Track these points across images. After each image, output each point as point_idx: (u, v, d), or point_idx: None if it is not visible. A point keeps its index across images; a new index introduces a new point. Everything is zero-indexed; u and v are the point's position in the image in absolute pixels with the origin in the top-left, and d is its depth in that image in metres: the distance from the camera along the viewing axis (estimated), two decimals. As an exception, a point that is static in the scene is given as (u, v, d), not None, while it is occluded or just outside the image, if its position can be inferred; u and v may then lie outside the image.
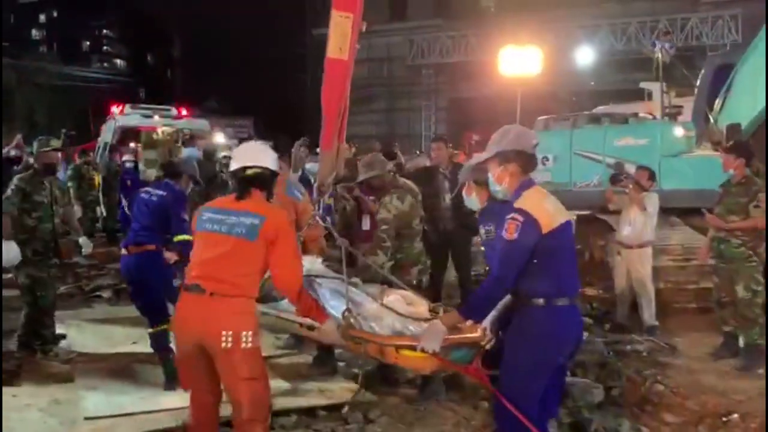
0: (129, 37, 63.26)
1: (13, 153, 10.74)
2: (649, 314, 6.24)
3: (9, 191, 4.91)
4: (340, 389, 4.37)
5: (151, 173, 10.94)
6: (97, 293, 7.44)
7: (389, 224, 4.42)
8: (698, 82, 9.30)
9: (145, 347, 4.67)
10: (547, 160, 8.45)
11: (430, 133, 30.65)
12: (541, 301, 2.80)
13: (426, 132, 30.64)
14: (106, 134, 11.77)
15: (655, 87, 13.26)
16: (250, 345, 2.85)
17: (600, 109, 12.98)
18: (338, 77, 4.13)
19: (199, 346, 2.90)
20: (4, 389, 4.13)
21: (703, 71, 9.48)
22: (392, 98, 32.23)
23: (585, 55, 25.58)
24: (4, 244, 4.59)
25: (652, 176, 6.43)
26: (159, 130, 12.57)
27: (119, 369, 4.72)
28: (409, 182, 4.93)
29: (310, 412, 4.06)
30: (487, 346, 3.10)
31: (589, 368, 4.82)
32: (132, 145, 12.58)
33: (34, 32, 64.06)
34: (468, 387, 4.45)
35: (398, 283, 4.02)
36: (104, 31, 65.26)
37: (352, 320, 3.34)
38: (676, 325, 6.31)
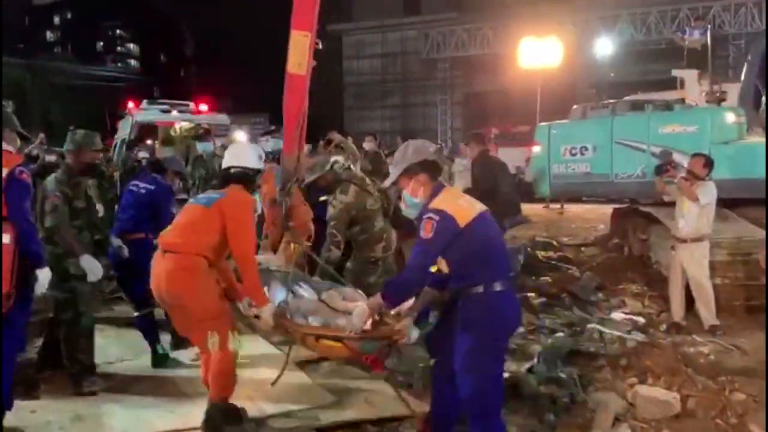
0: (142, 37, 63.41)
1: (35, 152, 10.45)
2: (708, 313, 5.79)
3: (56, 200, 4.11)
4: (387, 399, 3.98)
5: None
6: (118, 294, 7.10)
7: (337, 219, 4.82)
8: (745, 67, 8.79)
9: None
10: (586, 149, 8.03)
11: (446, 127, 30.36)
12: (480, 288, 2.94)
13: (442, 127, 30.33)
14: (123, 131, 11.44)
15: (687, 74, 12.78)
16: (191, 295, 3.35)
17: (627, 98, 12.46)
18: (297, 90, 4.55)
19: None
20: (23, 403, 3.81)
21: (749, 56, 8.98)
22: (407, 93, 31.94)
23: (604, 46, 25.15)
24: (85, 259, 4.08)
25: (708, 164, 5.95)
26: (177, 126, 12.24)
27: (144, 379, 4.36)
28: (352, 171, 5.24)
29: (357, 426, 3.68)
30: (400, 342, 3.37)
31: (660, 374, 4.40)
32: (149, 141, 12.27)
33: (49, 34, 64.37)
34: (527, 397, 4.07)
35: (341, 280, 4.39)
36: (118, 31, 65.45)
37: (284, 311, 3.66)
38: (739, 325, 5.85)
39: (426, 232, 2.94)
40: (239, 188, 3.58)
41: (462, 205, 3.05)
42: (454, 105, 30.97)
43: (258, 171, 3.67)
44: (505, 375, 4.47)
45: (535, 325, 5.87)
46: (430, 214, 2.97)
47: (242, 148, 3.84)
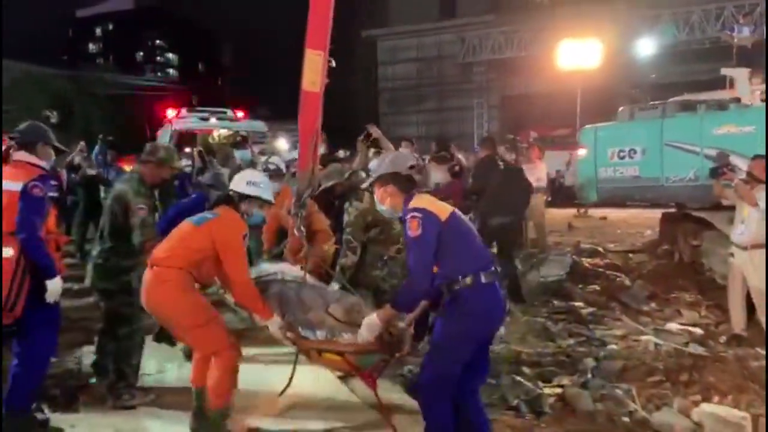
0: (180, 47, 64.56)
1: (77, 160, 10.60)
2: (772, 324, 5.45)
3: (143, 214, 4.07)
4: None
5: (208, 177, 10.60)
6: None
7: (353, 225, 5.01)
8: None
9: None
10: (635, 152, 7.73)
11: (482, 131, 29.98)
12: (468, 280, 3.02)
13: (478, 131, 29.99)
14: (163, 139, 11.51)
15: (737, 73, 12.27)
16: (171, 306, 3.44)
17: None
18: (312, 107, 4.68)
19: None
20: (62, 417, 3.75)
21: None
22: (442, 98, 31.71)
23: (645, 47, 24.58)
24: None
25: (770, 167, 5.62)
26: (215, 134, 12.27)
27: (183, 391, 4.22)
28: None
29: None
30: (399, 355, 3.43)
31: (726, 392, 4.11)
32: (188, 149, 12.31)
33: (91, 45, 66.03)
34: (582, 415, 3.83)
35: (352, 291, 4.46)
36: (157, 41, 66.75)
37: (291, 323, 3.66)
38: (806, 337, 5.49)
39: (413, 229, 3.05)
40: (230, 210, 3.68)
41: (436, 203, 3.20)
42: (490, 108, 30.64)
43: (245, 196, 3.73)
44: (557, 390, 4.31)
45: (586, 336, 5.62)
46: (413, 213, 3.09)
47: (242, 175, 3.91)
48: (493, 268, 3.13)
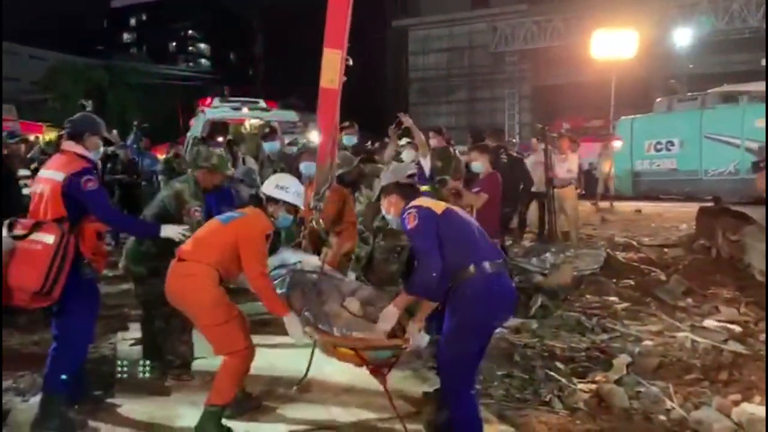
0: (212, 37, 65.03)
1: (111, 148, 10.75)
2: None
3: (199, 216, 4.21)
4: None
5: (239, 172, 10.65)
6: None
7: (364, 215, 5.18)
8: None
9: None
10: (672, 145, 7.56)
11: (513, 123, 29.73)
12: (471, 269, 3.14)
13: (509, 122, 29.72)
14: (195, 128, 11.61)
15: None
16: (191, 300, 3.51)
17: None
18: (330, 104, 4.87)
19: None
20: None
21: None
22: (474, 88, 31.47)
23: (683, 37, 24.01)
24: None
25: (815, 160, 5.44)
26: (247, 123, 12.32)
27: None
28: (376, 166, 5.70)
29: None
30: (407, 350, 3.47)
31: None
32: (220, 139, 12.39)
33: (126, 35, 66.91)
34: (618, 413, 3.76)
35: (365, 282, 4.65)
36: (189, 31, 67.33)
37: (308, 318, 3.65)
38: None
39: (411, 222, 3.23)
40: (258, 210, 3.73)
41: (431, 202, 3.40)
42: (522, 99, 30.31)
43: (274, 199, 3.76)
44: (591, 386, 4.24)
45: (620, 332, 5.51)
46: (408, 210, 3.30)
47: (272, 179, 3.94)
48: (499, 259, 3.24)
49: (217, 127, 12.45)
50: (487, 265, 3.16)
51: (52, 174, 3.58)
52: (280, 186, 3.78)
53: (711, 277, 7.36)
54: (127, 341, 5.12)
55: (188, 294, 3.51)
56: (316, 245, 5.21)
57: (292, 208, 3.83)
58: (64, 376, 3.56)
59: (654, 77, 25.16)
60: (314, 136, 10.10)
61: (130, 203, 9.79)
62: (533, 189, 10.21)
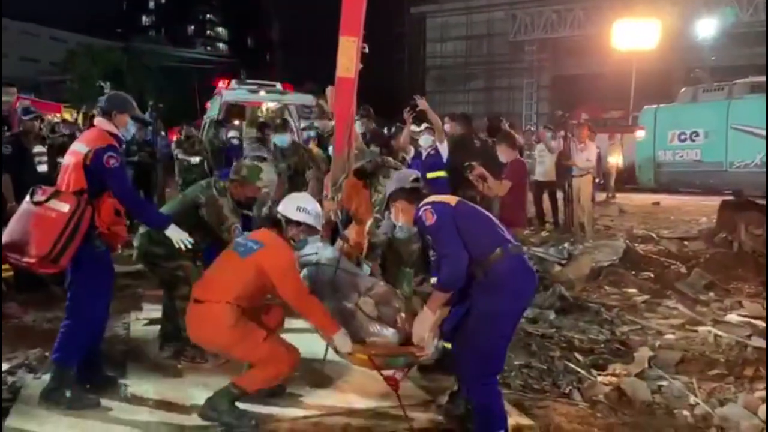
0: (230, 21, 65.01)
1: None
2: None
3: (237, 235, 4.03)
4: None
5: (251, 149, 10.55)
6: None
7: (381, 204, 4.83)
8: None
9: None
10: (697, 135, 7.37)
11: (531, 112, 29.48)
12: (498, 251, 3.09)
13: (527, 111, 29.49)
14: (212, 110, 11.55)
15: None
16: (223, 341, 3.38)
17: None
18: (346, 93, 4.78)
19: None
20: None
21: None
22: (491, 77, 31.23)
23: (705, 28, 23.61)
24: None
25: None
26: (264, 107, 12.25)
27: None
28: (391, 160, 5.54)
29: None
30: (422, 358, 3.43)
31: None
32: (237, 122, 12.33)
33: (144, 18, 67.07)
34: (640, 407, 3.65)
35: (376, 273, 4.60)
36: (208, 15, 67.37)
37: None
38: None
39: (429, 219, 3.16)
40: (276, 236, 3.55)
41: (443, 197, 3.38)
42: (540, 89, 30.07)
43: (294, 222, 3.57)
44: (612, 379, 4.14)
45: (640, 324, 5.40)
46: (423, 207, 3.22)
47: (291, 198, 3.75)
48: (516, 243, 3.23)
49: (234, 110, 12.40)
50: (509, 247, 3.13)
51: (78, 147, 3.62)
52: (302, 208, 3.58)
53: (733, 271, 7.22)
54: (141, 321, 5.09)
55: (214, 337, 3.40)
56: (332, 236, 5.16)
57: (313, 231, 3.70)
58: (75, 350, 3.54)
59: (675, 69, 24.77)
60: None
61: (145, 184, 9.77)
62: (543, 179, 10.07)
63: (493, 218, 3.33)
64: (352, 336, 3.48)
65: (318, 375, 3.99)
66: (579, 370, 4.25)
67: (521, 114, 28.74)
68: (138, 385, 3.83)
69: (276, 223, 3.59)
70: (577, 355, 4.54)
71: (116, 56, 36.39)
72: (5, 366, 4.03)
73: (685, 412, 3.65)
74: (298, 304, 3.43)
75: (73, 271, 3.54)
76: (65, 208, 3.39)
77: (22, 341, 4.51)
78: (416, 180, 3.53)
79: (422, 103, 6.82)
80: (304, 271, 3.92)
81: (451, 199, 3.31)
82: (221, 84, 11.87)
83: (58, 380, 3.49)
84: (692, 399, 3.81)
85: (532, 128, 18.12)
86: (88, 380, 3.73)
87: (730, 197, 8.60)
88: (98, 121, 3.73)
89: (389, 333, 3.50)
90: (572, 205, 8.59)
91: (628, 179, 15.99)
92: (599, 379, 4.15)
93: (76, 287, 3.57)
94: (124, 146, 3.89)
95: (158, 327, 4.48)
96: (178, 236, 3.82)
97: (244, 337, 3.35)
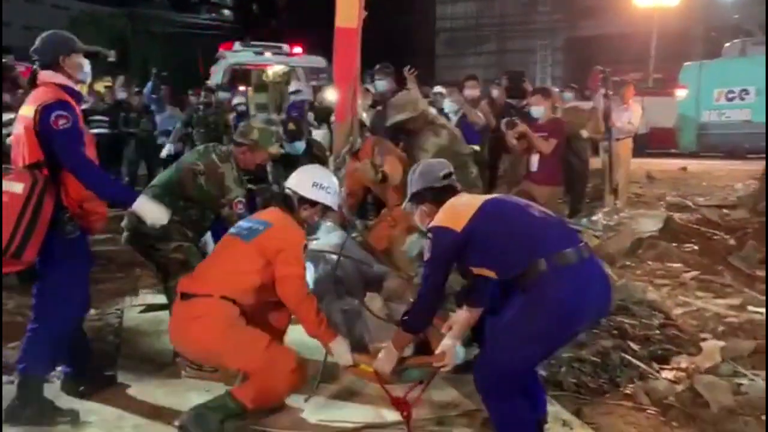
0: (235, -14, 63.66)
1: (121, 96, 10.11)
2: None
3: (241, 210, 3.55)
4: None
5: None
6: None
7: None
8: None
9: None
10: (747, 93, 6.68)
11: (545, 76, 28.70)
12: (541, 265, 2.44)
13: (541, 75, 28.71)
14: (216, 75, 10.92)
15: None
16: (215, 348, 2.77)
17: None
18: (348, 46, 4.16)
19: None
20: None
21: None
22: (504, 39, 30.45)
23: (728, -16, 22.64)
24: None
25: None
26: (269, 71, 11.61)
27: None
28: (439, 117, 4.89)
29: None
30: (443, 370, 2.88)
31: None
32: (242, 88, 11.74)
33: (147, -17, 65.78)
34: (718, 412, 3.08)
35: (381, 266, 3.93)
36: (212, -21, 65.97)
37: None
38: None
39: (426, 251, 2.68)
40: (286, 216, 2.98)
41: (458, 209, 2.68)
42: (555, 51, 29.27)
43: (305, 199, 3.02)
44: (679, 374, 3.57)
45: (695, 305, 4.82)
46: (428, 236, 2.69)
47: (302, 172, 3.12)
48: (575, 245, 2.51)
49: (239, 74, 11.77)
50: (559, 256, 2.45)
51: (25, 111, 2.91)
52: (318, 184, 3.00)
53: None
54: (136, 308, 4.55)
55: (202, 341, 2.76)
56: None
57: (329, 212, 3.15)
58: (42, 358, 2.97)
59: (694, 28, 23.85)
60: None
61: (144, 152, 9.20)
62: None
63: (543, 215, 2.64)
64: (356, 342, 2.93)
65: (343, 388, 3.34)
66: (638, 363, 3.67)
67: (535, 77, 27.86)
68: (130, 385, 3.29)
69: (286, 202, 3.00)
70: (633, 345, 3.95)
71: (120, 23, 35.63)
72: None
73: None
74: (294, 303, 2.85)
75: (41, 264, 2.92)
76: (19, 188, 2.73)
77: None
78: (448, 175, 2.85)
79: (411, 80, 6.19)
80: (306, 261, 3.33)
81: (465, 214, 2.60)
82: (225, 47, 11.22)
83: (25, 391, 2.91)
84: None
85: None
86: (80, 380, 3.22)
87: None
88: (43, 75, 2.96)
89: (380, 367, 2.84)
90: (611, 172, 7.94)
91: (649, 144, 15.32)
92: (663, 374, 3.57)
93: (42, 283, 2.97)
94: (83, 102, 3.16)
95: (154, 314, 3.94)
96: (154, 215, 3.08)
97: (241, 343, 2.75)
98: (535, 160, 5.84)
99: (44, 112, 2.82)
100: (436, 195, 2.79)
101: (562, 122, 5.82)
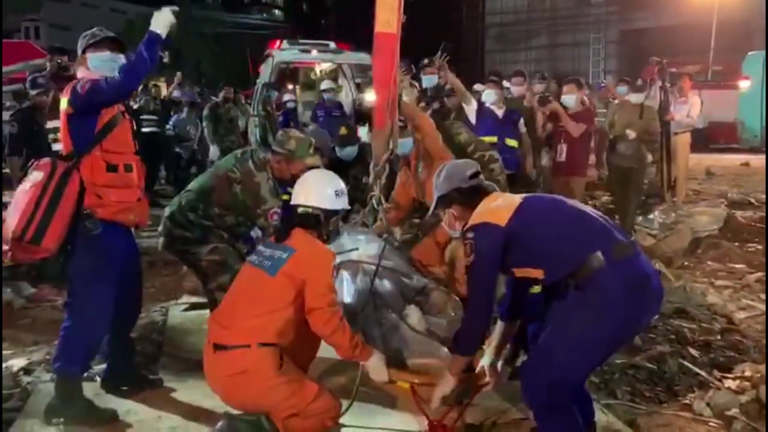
0: (285, -14, 64.40)
1: (176, 94, 10.28)
2: None
3: (275, 221, 3.49)
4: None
5: (309, 116, 10.05)
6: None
7: None
8: None
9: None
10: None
11: (598, 70, 28.08)
12: (594, 262, 2.28)
13: (594, 69, 28.11)
14: (265, 73, 10.96)
15: None
16: (263, 402, 2.55)
17: None
18: (387, 51, 4.11)
19: None
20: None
21: None
22: (555, 32, 30.00)
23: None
24: None
25: None
26: (317, 68, 11.61)
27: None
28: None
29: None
30: (484, 389, 2.73)
31: None
32: (290, 86, 11.78)
33: (199, -15, 67.19)
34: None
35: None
36: (262, -20, 66.92)
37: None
38: None
39: (466, 256, 2.49)
40: (311, 238, 2.71)
41: (499, 206, 2.53)
42: (608, 44, 28.59)
43: (331, 212, 2.79)
44: (743, 383, 3.35)
45: (759, 309, 4.54)
46: (466, 235, 2.52)
47: (313, 181, 2.88)
48: (619, 243, 2.33)
49: (287, 73, 11.81)
50: (611, 251, 2.29)
51: (63, 103, 2.91)
52: (338, 192, 2.80)
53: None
54: (181, 305, 4.56)
55: (251, 398, 2.55)
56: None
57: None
58: (78, 356, 2.94)
59: (755, 19, 22.90)
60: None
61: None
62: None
63: (588, 210, 2.50)
64: (393, 356, 2.79)
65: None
66: (698, 371, 3.47)
67: (588, 71, 27.28)
68: (167, 387, 3.27)
69: (304, 221, 2.75)
70: (692, 351, 3.74)
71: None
72: (22, 362, 3.55)
73: None
74: (327, 334, 2.63)
75: (69, 261, 2.89)
76: (39, 176, 2.75)
77: (52, 328, 4.01)
78: (475, 175, 2.69)
79: (439, 63, 5.93)
80: (342, 274, 3.28)
81: (506, 210, 2.46)
82: (272, 45, 11.27)
83: (62, 391, 2.91)
84: None
85: (601, 83, 16.83)
86: (123, 380, 3.22)
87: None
88: (80, 72, 3.00)
89: (442, 353, 2.83)
90: (669, 167, 7.61)
91: (709, 139, 14.76)
92: (726, 384, 3.36)
93: (71, 281, 2.95)
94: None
95: (198, 313, 3.92)
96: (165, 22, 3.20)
97: (292, 396, 2.52)
98: (562, 149, 5.83)
99: (72, 91, 2.84)
100: (465, 196, 2.65)
101: (590, 111, 5.92)
